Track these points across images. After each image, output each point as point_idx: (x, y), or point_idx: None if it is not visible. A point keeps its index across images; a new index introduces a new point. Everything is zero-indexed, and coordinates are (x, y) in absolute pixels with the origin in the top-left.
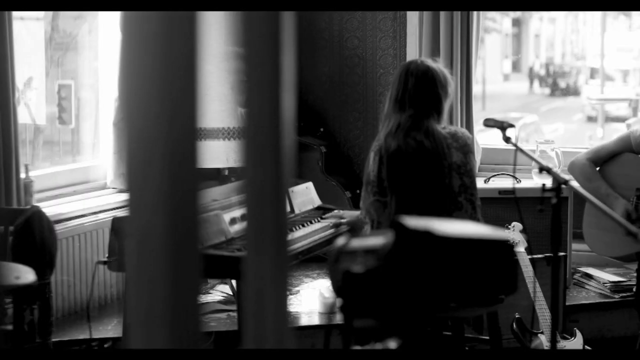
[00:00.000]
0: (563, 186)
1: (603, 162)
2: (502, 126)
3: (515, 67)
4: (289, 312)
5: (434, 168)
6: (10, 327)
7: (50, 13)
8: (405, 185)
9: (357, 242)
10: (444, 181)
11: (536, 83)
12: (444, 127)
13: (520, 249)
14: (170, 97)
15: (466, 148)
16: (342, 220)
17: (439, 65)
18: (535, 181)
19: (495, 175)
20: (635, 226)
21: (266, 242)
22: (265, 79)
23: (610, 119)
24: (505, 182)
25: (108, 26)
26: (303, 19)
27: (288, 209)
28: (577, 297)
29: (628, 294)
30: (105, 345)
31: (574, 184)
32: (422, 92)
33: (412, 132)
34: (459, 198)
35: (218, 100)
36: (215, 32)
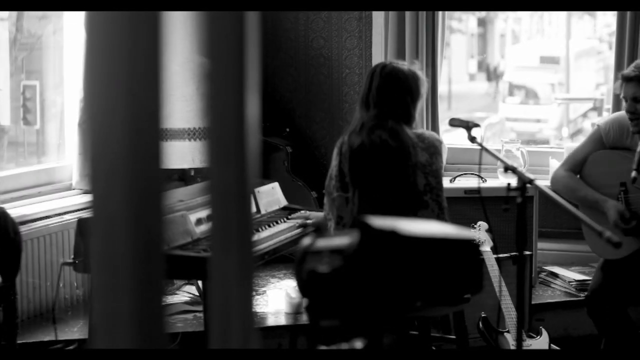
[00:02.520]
0: (528, 185)
1: (582, 166)
2: (468, 126)
3: (481, 66)
4: (254, 313)
5: (397, 166)
6: None
7: (14, 14)
8: (368, 181)
9: (323, 242)
10: (408, 179)
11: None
12: (414, 128)
13: (486, 248)
14: (134, 98)
15: (432, 149)
16: (308, 221)
17: (409, 66)
18: (501, 180)
19: (460, 175)
20: (632, 224)
21: (231, 243)
22: (229, 79)
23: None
24: (470, 182)
25: (73, 26)
26: (268, 19)
27: (254, 209)
28: (543, 295)
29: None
30: (71, 347)
31: (540, 183)
32: (385, 93)
33: (376, 130)
34: (425, 197)
35: (183, 100)
36: (181, 32)
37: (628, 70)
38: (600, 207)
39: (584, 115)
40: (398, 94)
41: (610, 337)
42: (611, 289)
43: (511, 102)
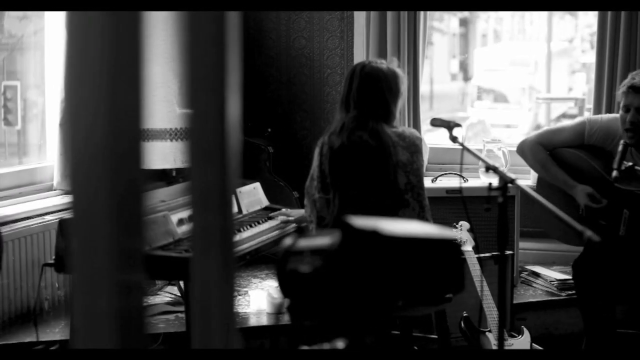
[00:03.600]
0: (509, 185)
1: (554, 148)
2: (449, 126)
3: (462, 66)
4: (236, 313)
5: (378, 166)
6: None
7: None
8: (349, 181)
9: (305, 243)
10: (389, 178)
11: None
12: (394, 126)
13: (468, 248)
14: (114, 98)
15: (413, 148)
16: (290, 218)
17: (388, 65)
18: (482, 180)
19: (442, 175)
20: (602, 204)
21: (212, 243)
22: (210, 79)
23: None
24: (452, 182)
25: (54, 27)
26: (250, 20)
27: (235, 209)
28: (525, 295)
29: (574, 291)
30: (53, 348)
31: (521, 182)
32: (366, 93)
33: (356, 131)
34: (406, 196)
35: (165, 100)
36: (163, 32)
37: (635, 80)
38: (568, 189)
39: (564, 115)
40: (378, 94)
41: (592, 326)
42: (594, 270)
43: (480, 107)
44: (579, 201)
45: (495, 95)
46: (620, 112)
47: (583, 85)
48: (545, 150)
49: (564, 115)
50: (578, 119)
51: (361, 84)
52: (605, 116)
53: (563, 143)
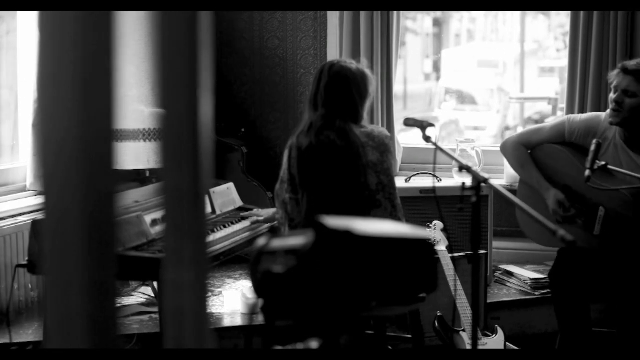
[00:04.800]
0: (483, 185)
1: (535, 147)
2: (422, 125)
3: (436, 66)
4: (209, 313)
5: (347, 166)
6: None
7: None
8: (317, 182)
9: (278, 243)
10: (359, 179)
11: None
12: (362, 126)
13: (442, 247)
14: (87, 99)
15: (383, 147)
16: (260, 218)
17: (357, 65)
18: (456, 180)
19: (416, 175)
20: (569, 214)
21: (185, 244)
22: (182, 79)
23: (531, 119)
24: (426, 181)
25: (27, 27)
26: (223, 20)
27: (209, 210)
28: (498, 294)
29: (548, 290)
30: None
31: (494, 182)
32: (334, 92)
33: (324, 131)
34: (377, 196)
35: (139, 101)
36: (137, 32)
37: (632, 62)
38: (541, 191)
39: (537, 114)
40: (346, 94)
41: (567, 325)
42: (570, 270)
43: (447, 108)
44: (549, 204)
45: (463, 97)
46: (611, 93)
47: (556, 85)
48: (526, 149)
49: (539, 114)
50: (559, 118)
51: (329, 83)
52: (585, 115)
53: (543, 143)
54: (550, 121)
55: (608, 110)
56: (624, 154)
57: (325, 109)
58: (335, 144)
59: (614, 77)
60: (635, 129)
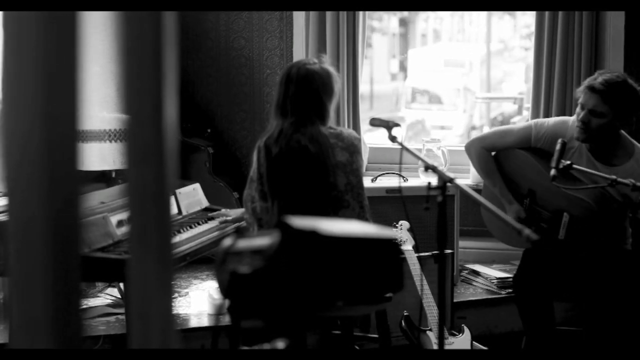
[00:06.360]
0: (449, 184)
1: (500, 150)
2: (388, 125)
3: (402, 66)
4: (175, 314)
5: (318, 170)
6: None
7: None
8: (288, 187)
9: (244, 243)
10: (328, 180)
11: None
12: (331, 127)
13: (408, 247)
14: (50, 99)
15: (352, 148)
16: (228, 218)
17: (322, 65)
18: (422, 180)
19: (382, 174)
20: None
21: (150, 244)
22: (147, 79)
23: (498, 121)
24: (392, 181)
25: None
26: (189, 20)
27: (175, 210)
28: (465, 293)
29: (512, 290)
30: None
31: (460, 182)
32: (303, 98)
33: (295, 136)
34: (346, 196)
35: (104, 101)
36: (102, 33)
37: (596, 82)
38: (503, 203)
39: (502, 114)
40: (314, 97)
41: (531, 325)
42: (534, 271)
43: (414, 108)
44: None
45: (429, 97)
46: (578, 108)
47: (520, 85)
48: (490, 155)
49: (502, 115)
50: (525, 123)
51: (298, 89)
52: (552, 120)
53: (508, 147)
54: (516, 121)
55: (575, 116)
56: (589, 164)
57: (295, 117)
58: (306, 148)
59: (580, 93)
60: (601, 143)
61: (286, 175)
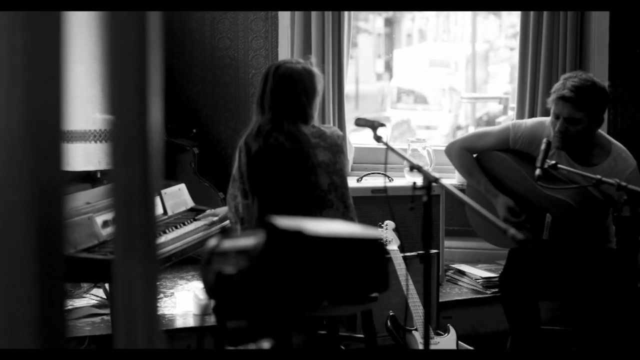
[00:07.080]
0: (434, 184)
1: (479, 152)
2: (373, 125)
3: (388, 66)
4: (159, 314)
5: (296, 167)
6: None
7: None
8: (268, 185)
9: (229, 244)
10: (309, 179)
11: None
12: (313, 126)
13: (393, 247)
14: (33, 99)
15: (335, 148)
16: (214, 218)
17: (304, 64)
18: (407, 180)
19: (367, 175)
20: (520, 219)
21: (135, 245)
22: (132, 80)
23: (484, 121)
24: (377, 181)
25: None
26: (174, 20)
27: (160, 211)
28: (450, 293)
29: (497, 290)
30: None
31: (445, 182)
32: (280, 95)
33: (272, 133)
34: (329, 196)
35: (90, 102)
36: (87, 33)
37: (566, 90)
38: (490, 197)
39: (488, 114)
40: (292, 95)
41: (516, 325)
42: (519, 271)
43: (400, 108)
44: (498, 212)
45: (415, 96)
46: (551, 117)
47: (505, 85)
48: (471, 155)
49: (487, 115)
50: (503, 124)
51: (275, 85)
52: (529, 121)
53: (487, 148)
54: (501, 121)
55: (551, 117)
56: (567, 165)
57: (272, 112)
58: (284, 146)
59: (551, 103)
60: (579, 146)
61: (265, 172)
